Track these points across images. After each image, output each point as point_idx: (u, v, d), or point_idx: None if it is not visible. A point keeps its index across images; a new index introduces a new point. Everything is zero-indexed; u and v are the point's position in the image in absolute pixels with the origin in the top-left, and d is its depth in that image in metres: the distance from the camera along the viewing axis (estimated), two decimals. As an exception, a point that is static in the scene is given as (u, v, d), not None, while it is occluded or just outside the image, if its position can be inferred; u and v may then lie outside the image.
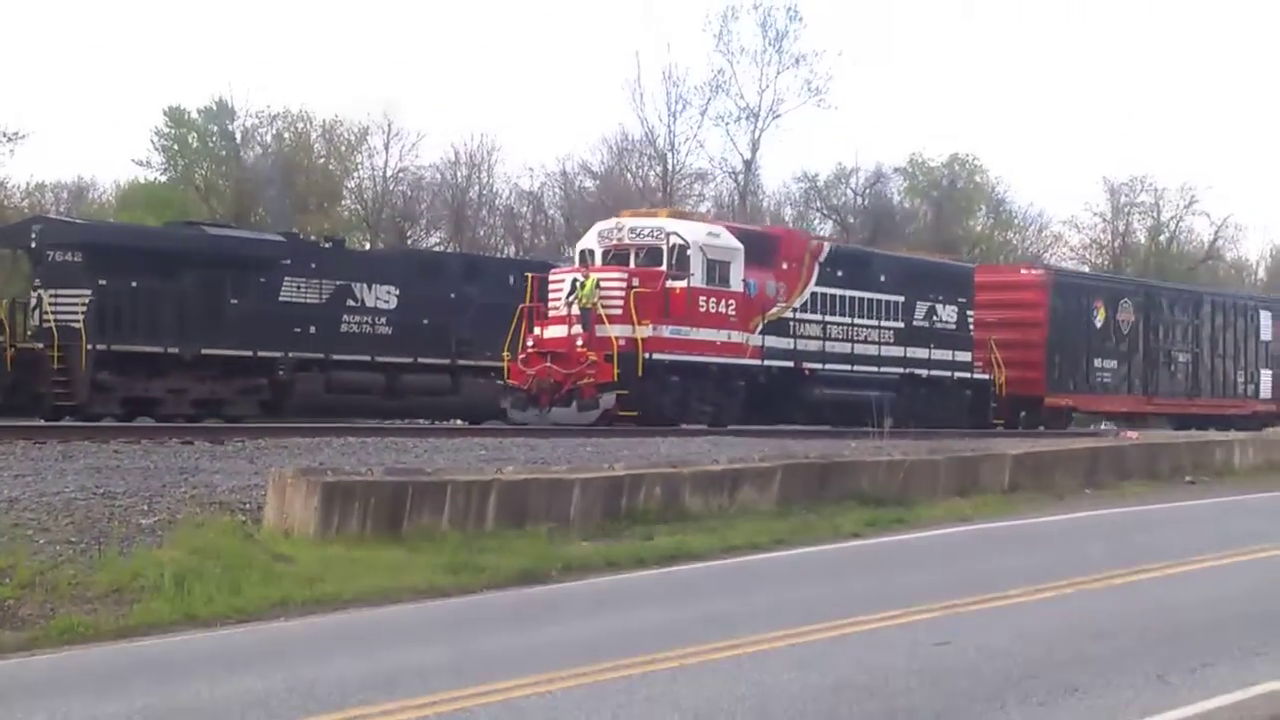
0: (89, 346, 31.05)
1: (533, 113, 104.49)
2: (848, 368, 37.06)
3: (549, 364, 31.25)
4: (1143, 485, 27.16)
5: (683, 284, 32.64)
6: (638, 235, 33.15)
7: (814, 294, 36.48)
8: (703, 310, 33.06)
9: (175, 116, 66.89)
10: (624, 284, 31.91)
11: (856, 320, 37.76)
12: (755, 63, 70.65)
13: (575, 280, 32.02)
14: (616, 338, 30.96)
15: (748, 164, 72.17)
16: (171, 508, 14.99)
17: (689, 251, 32.77)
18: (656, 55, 68.20)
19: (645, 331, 31.42)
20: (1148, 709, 9.52)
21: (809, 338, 36.10)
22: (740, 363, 34.01)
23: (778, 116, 71.11)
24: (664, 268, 32.49)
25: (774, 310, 35.20)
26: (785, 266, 35.88)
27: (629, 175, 71.12)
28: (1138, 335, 48.23)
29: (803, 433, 32.34)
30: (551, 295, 32.66)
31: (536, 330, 32.17)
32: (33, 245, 33.37)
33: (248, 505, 15.46)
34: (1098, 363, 46.85)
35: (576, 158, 71.43)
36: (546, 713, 9.17)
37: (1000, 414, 42.07)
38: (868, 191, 77.73)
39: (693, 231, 33.40)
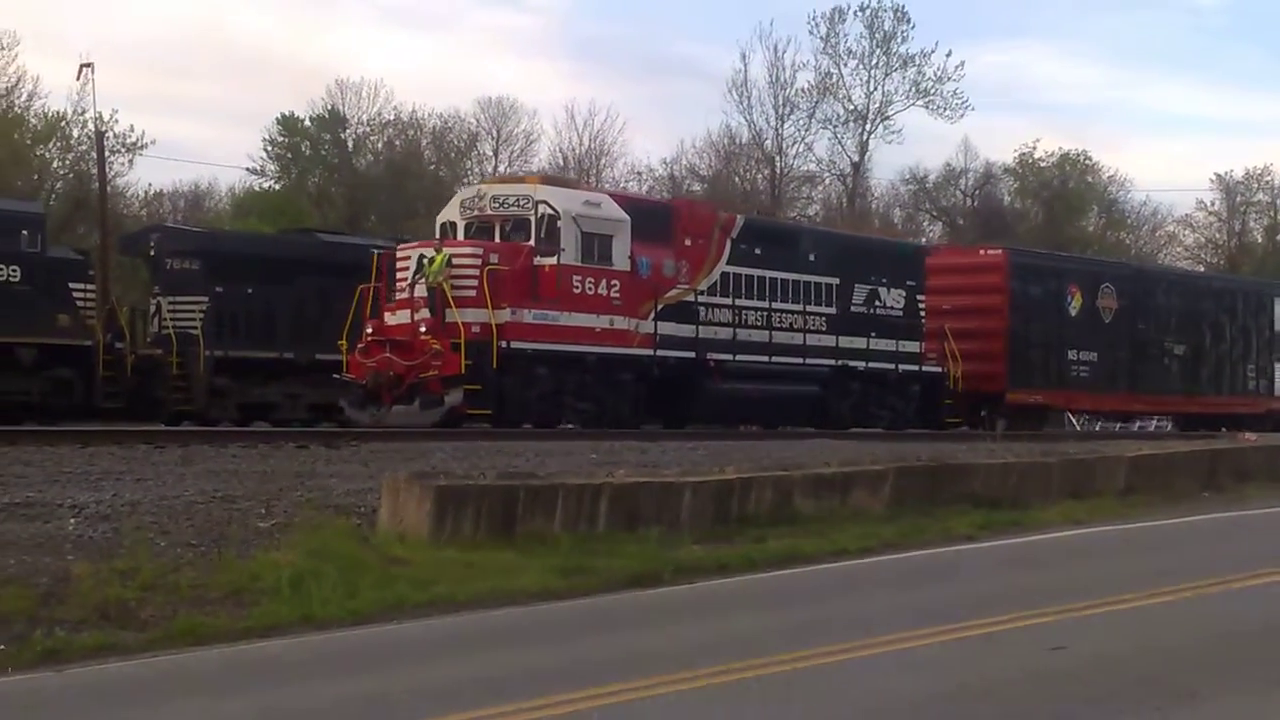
0: (206, 353, 31.59)
1: (640, 116, 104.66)
2: (764, 359, 32.44)
3: (389, 354, 27.13)
4: (1265, 488, 26.68)
5: (553, 261, 28.32)
6: (501, 205, 28.99)
7: (725, 274, 32.06)
8: (577, 291, 28.73)
9: (288, 124, 67.79)
10: (479, 260, 27.60)
11: (777, 305, 33.09)
12: (863, 65, 70.42)
13: (422, 256, 27.79)
14: (467, 323, 26.78)
15: (856, 166, 71.93)
16: (288, 511, 15.18)
17: (560, 223, 28.40)
18: (764, 58, 67.90)
19: (503, 316, 27.31)
20: (1270, 716, 9.37)
21: (717, 324, 31.65)
22: (626, 352, 29.65)
23: (886, 119, 70.85)
24: (531, 242, 28.40)
25: (672, 293, 30.74)
26: (688, 243, 31.45)
27: (737, 178, 71.08)
28: (1123, 324, 43.07)
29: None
30: (399, 275, 28.38)
31: (385, 316, 28.16)
32: (151, 253, 33.97)
33: (362, 509, 15.63)
34: (1072, 355, 41.60)
35: (684, 161, 71.52)
36: (660, 716, 9.19)
37: (957, 412, 37.52)
38: (977, 192, 77.14)
39: (565, 200, 29.01)
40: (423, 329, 26.98)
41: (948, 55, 70.60)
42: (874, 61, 70.28)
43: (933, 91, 70.15)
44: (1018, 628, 12.15)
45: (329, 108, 67.88)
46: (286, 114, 67.77)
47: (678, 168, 71.79)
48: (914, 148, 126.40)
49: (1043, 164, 77.97)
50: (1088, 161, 79.31)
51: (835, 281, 34.55)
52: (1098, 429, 47.10)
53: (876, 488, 19.82)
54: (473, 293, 27.25)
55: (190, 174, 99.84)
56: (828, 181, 73.32)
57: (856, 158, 71.67)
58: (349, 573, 13.07)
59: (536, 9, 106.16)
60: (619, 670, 10.27)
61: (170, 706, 9.37)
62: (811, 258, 34.27)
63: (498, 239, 28.67)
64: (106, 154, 50.29)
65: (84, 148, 55.81)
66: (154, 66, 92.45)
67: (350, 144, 68.42)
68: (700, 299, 31.37)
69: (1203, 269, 73.00)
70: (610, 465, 19.84)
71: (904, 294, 36.43)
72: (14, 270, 29.68)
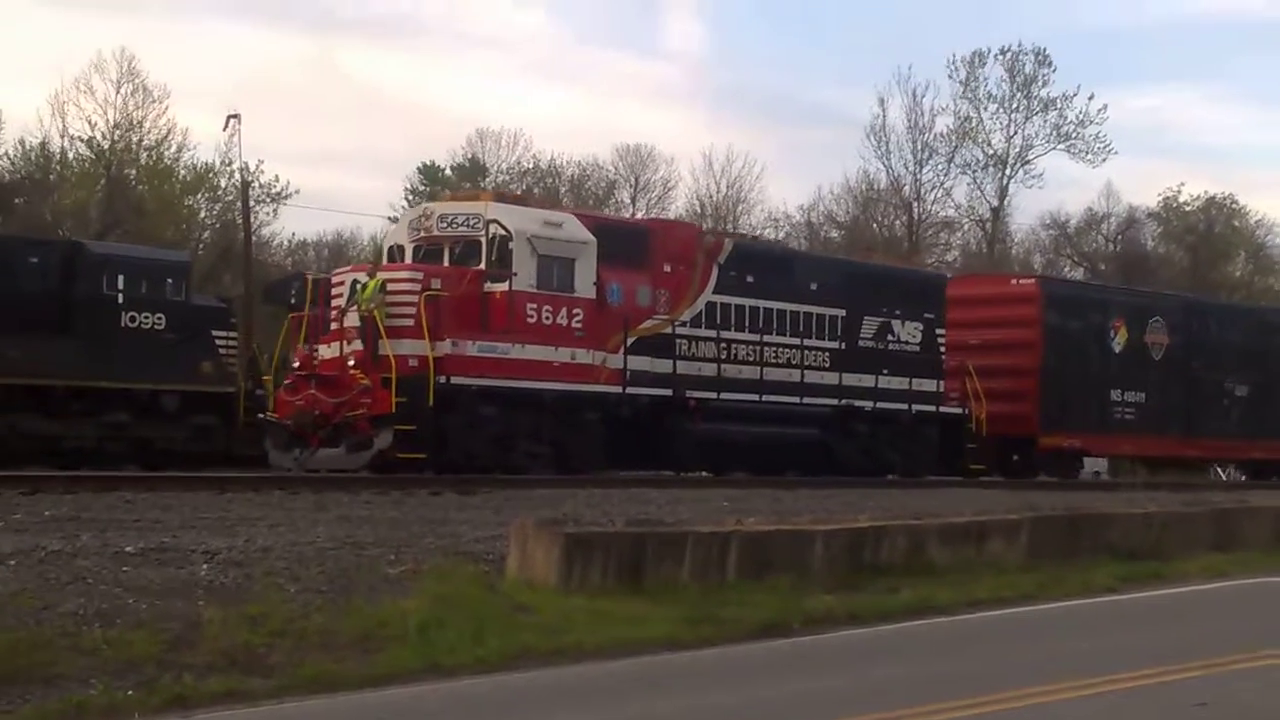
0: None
1: (778, 163, 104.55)
2: (754, 398, 29.61)
3: (314, 391, 24.71)
4: None
5: (504, 287, 25.70)
6: (450, 225, 26.51)
7: (710, 304, 29.33)
8: (533, 321, 26.07)
9: (430, 173, 68.72)
10: (417, 286, 25.21)
11: (771, 339, 30.33)
12: (1003, 109, 69.73)
13: (355, 282, 25.43)
14: (401, 356, 24.37)
15: (995, 211, 71.19)
16: (418, 557, 15.18)
17: (512, 245, 25.81)
18: (902, 102, 67.52)
19: (445, 348, 24.78)
20: None
21: (699, 359, 28.92)
22: (590, 390, 26.85)
23: (1026, 163, 70.05)
24: (481, 265, 25.92)
25: (647, 324, 28.00)
26: (667, 269, 28.72)
27: (875, 224, 70.66)
28: (1175, 362, 39.37)
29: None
30: (333, 303, 25.94)
31: (319, 349, 25.74)
32: (293, 302, 34.43)
33: (491, 555, 15.59)
34: (1116, 395, 38.03)
35: (822, 208, 71.27)
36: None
37: (982, 457, 34.26)
38: (1119, 237, 75.93)
39: (519, 219, 26.37)
40: (351, 362, 24.69)
41: (1090, 99, 69.67)
42: (1014, 105, 69.61)
43: (1074, 135, 69.28)
44: (1159, 682, 11.80)
45: (469, 156, 68.80)
46: (428, 163, 68.72)
47: (815, 214, 71.60)
48: (1055, 192, 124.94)
49: (1188, 208, 76.64)
50: (1234, 205, 77.86)
51: (840, 313, 31.93)
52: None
53: (1012, 537, 19.42)
54: (410, 322, 24.82)
55: (333, 223, 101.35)
56: (966, 227, 72.67)
57: (996, 202, 70.98)
58: (476, 620, 13.00)
59: (676, 56, 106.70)
60: (745, 722, 10.09)
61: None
62: (813, 286, 31.67)
63: (446, 262, 26.31)
64: (252, 203, 51.26)
65: (230, 198, 56.95)
66: (299, 118, 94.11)
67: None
68: (680, 331, 28.73)
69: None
70: (741, 513, 19.66)
71: (920, 327, 33.68)
72: (159, 318, 30.23)
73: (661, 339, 28.30)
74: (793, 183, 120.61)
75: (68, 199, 56.26)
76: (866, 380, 32.02)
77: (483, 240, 26.01)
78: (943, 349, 34.22)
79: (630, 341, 27.56)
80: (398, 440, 24.13)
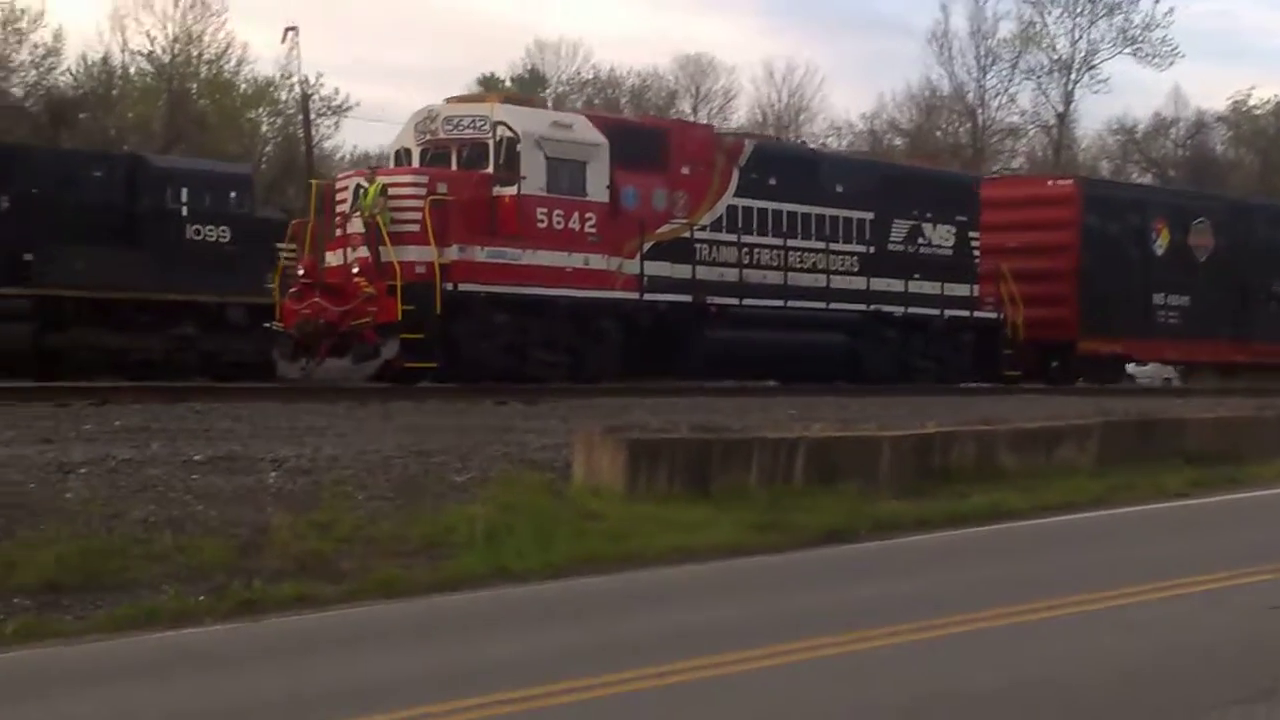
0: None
1: (840, 72, 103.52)
2: (778, 303, 28.69)
3: (320, 299, 24.03)
4: None
5: (513, 191, 24.89)
6: (457, 128, 25.56)
7: (731, 208, 28.41)
8: (543, 226, 25.26)
9: (489, 84, 68.36)
10: (421, 190, 24.35)
11: (795, 243, 29.34)
12: (1068, 12, 68.66)
13: (359, 186, 24.65)
14: (406, 263, 23.68)
15: (1061, 117, 70.28)
16: (484, 465, 15.20)
17: (520, 146, 24.95)
18: (965, 8, 66.51)
19: (452, 254, 24.07)
20: None
21: (719, 264, 27.99)
22: (605, 296, 26.01)
23: (1092, 68, 69.05)
24: (489, 169, 25.05)
25: (665, 228, 27.11)
26: (685, 171, 27.70)
27: (939, 132, 69.92)
28: (1221, 264, 37.81)
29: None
30: (338, 209, 25.34)
31: (326, 256, 25.11)
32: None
33: (558, 463, 15.57)
34: (1159, 299, 36.71)
35: (885, 116, 70.57)
36: (842, 673, 8.89)
37: (1018, 363, 33.32)
38: (1188, 142, 74.84)
39: (528, 120, 25.60)
40: (355, 270, 23.95)
41: (1156, 1, 68.38)
42: (1078, 9, 68.49)
43: (1140, 39, 68.15)
44: (1235, 585, 11.65)
45: (529, 68, 68.45)
46: (487, 75, 68.40)
47: (878, 122, 70.92)
48: (1121, 97, 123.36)
49: (1258, 111, 75.36)
50: (1307, 107, 76.38)
51: (869, 216, 30.85)
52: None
53: (1083, 443, 19.23)
54: (415, 227, 23.99)
55: (394, 136, 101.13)
56: (1032, 133, 71.79)
57: (1061, 108, 70.06)
58: (543, 526, 12.99)
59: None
60: (812, 625, 10.00)
61: (364, 657, 9.35)
62: (839, 189, 30.53)
63: (454, 166, 25.39)
64: (313, 117, 51.23)
65: (291, 111, 56.94)
66: (357, 32, 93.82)
67: (550, 103, 68.78)
68: (699, 235, 27.77)
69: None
70: (809, 420, 19.57)
71: (953, 230, 32.57)
72: (223, 230, 30.27)
73: (680, 244, 27.44)
74: (856, 92, 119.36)
75: (130, 114, 56.39)
76: (896, 285, 31.09)
77: (490, 143, 25.10)
78: (976, 253, 33.24)
79: (647, 246, 26.71)
80: (405, 349, 23.50)
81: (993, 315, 32.85)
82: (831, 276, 29.85)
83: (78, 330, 28.03)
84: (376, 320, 23.36)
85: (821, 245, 29.75)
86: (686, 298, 27.21)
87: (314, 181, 25.71)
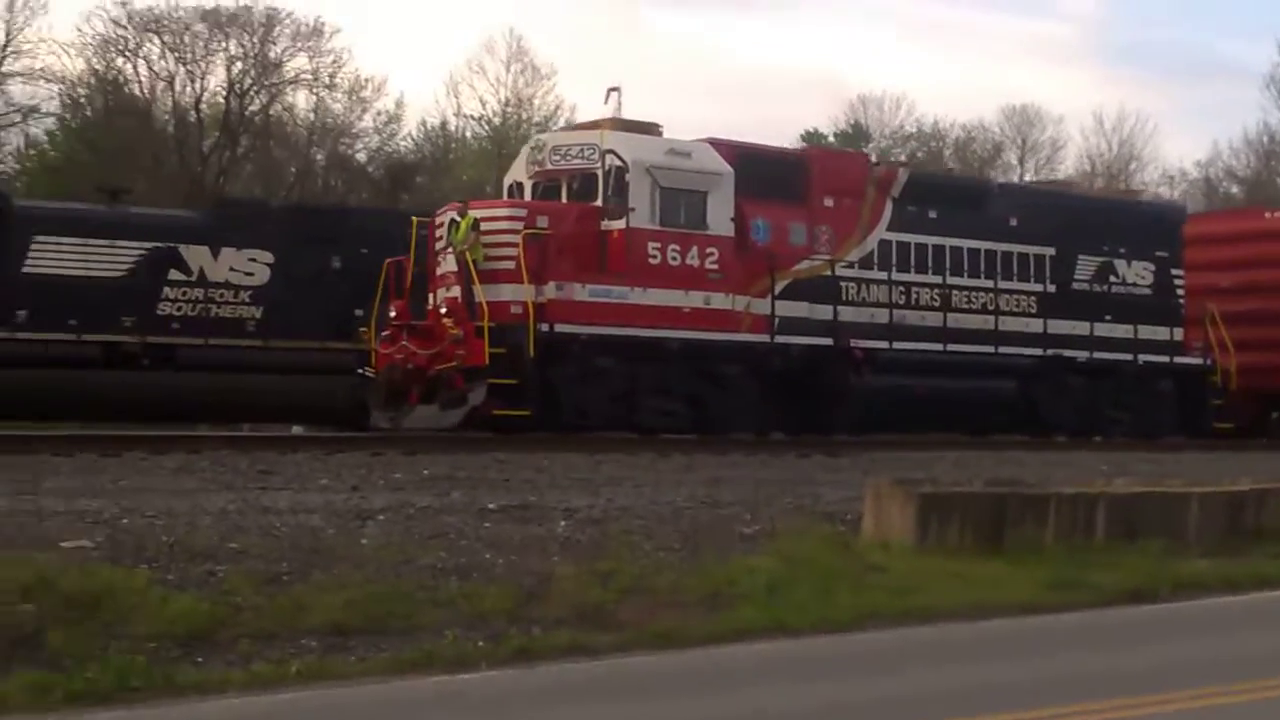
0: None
1: (1173, 120, 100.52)
2: (936, 346, 26.22)
3: (408, 342, 22.62)
4: None
5: (621, 225, 23.16)
6: (565, 158, 23.88)
7: (884, 243, 26.16)
8: (655, 262, 23.29)
9: (812, 140, 68.50)
10: (517, 225, 22.68)
11: (958, 280, 26.91)
12: None
13: (452, 221, 23.12)
14: (497, 302, 22.03)
15: None
16: (774, 518, 15.17)
17: (628, 176, 23.16)
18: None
19: (549, 292, 22.43)
20: None
21: (868, 305, 25.74)
22: (729, 339, 23.95)
23: None
24: (598, 201, 23.32)
25: (803, 265, 24.95)
26: (828, 203, 25.60)
27: (1279, 179, 67.05)
28: None
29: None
30: (438, 246, 23.76)
31: (431, 296, 23.61)
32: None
33: (849, 516, 15.42)
34: None
35: (1220, 163, 68.04)
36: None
37: (1230, 415, 29.91)
38: None
39: (638, 148, 23.59)
40: (443, 310, 22.72)
41: None
42: None
43: None
44: None
45: (851, 122, 68.32)
46: (810, 130, 68.54)
47: (1213, 170, 68.39)
48: None
49: None
50: None
51: (1049, 252, 28.31)
52: None
53: None
54: (511, 264, 22.40)
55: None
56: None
57: None
58: (825, 580, 12.89)
59: (1070, 16, 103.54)
60: (1096, 689, 9.67)
61: (628, 708, 9.42)
62: (1013, 222, 28.09)
63: (564, 198, 23.82)
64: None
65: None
66: (676, 91, 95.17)
67: (873, 157, 68.58)
68: (844, 273, 25.53)
69: None
70: (1118, 476, 18.95)
71: (1151, 268, 29.68)
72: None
73: (821, 282, 25.20)
74: (1189, 139, 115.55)
75: (465, 175, 58.38)
76: (1080, 327, 28.38)
77: (599, 173, 23.38)
78: (1180, 293, 30.30)
79: (781, 285, 24.59)
80: (495, 395, 21.93)
81: (1198, 361, 29.81)
82: (1001, 318, 27.42)
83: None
84: (464, 364, 21.95)
85: (990, 284, 27.42)
86: (827, 341, 24.98)
87: (415, 218, 24.20)
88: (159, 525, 12.29)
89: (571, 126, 26.14)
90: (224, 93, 51.96)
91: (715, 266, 23.73)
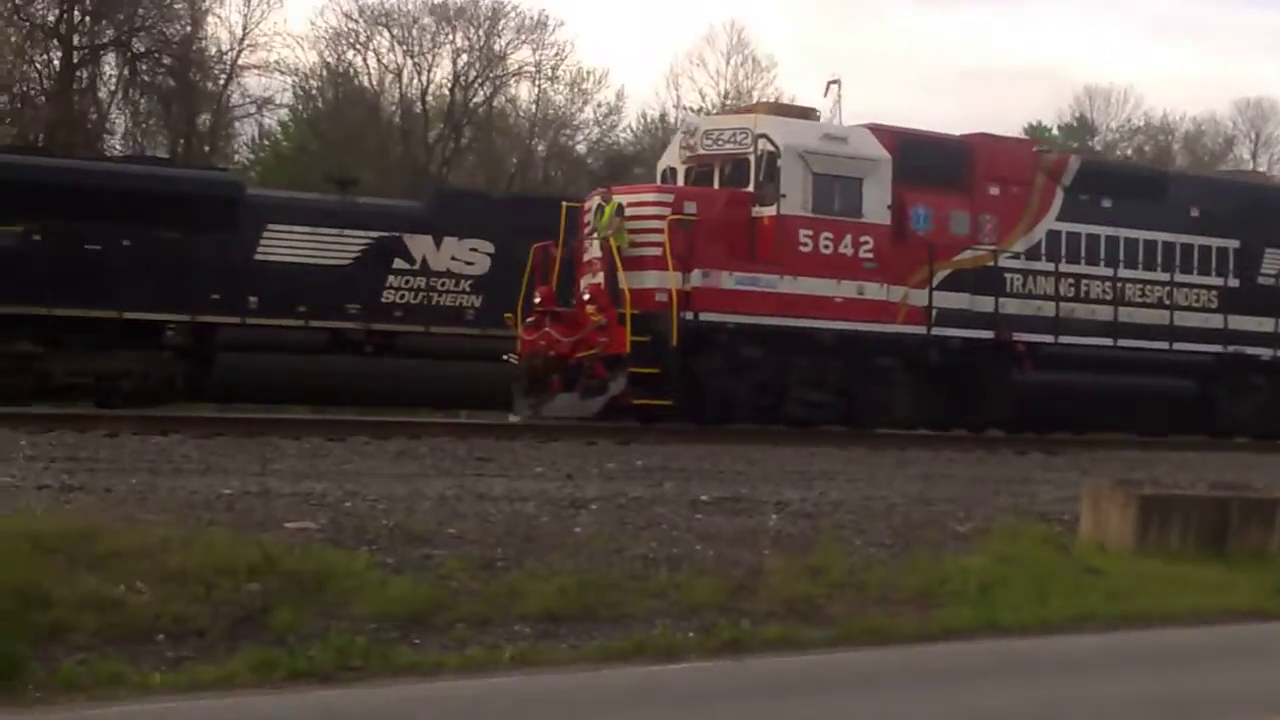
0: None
1: None
2: (1106, 341, 25.15)
3: (550, 329, 22.09)
4: None
5: (772, 211, 22.46)
6: (717, 142, 23.21)
7: (1052, 232, 25.20)
8: (806, 250, 22.57)
9: (1035, 133, 67.34)
10: (664, 210, 22.13)
11: (1130, 273, 25.78)
12: None
13: (599, 206, 22.65)
14: (641, 289, 21.62)
15: None
16: (988, 516, 14.99)
17: (780, 161, 22.44)
18: None
19: (694, 279, 21.86)
20: None
21: (1034, 297, 24.76)
22: (883, 330, 23.14)
23: None
24: (750, 187, 22.63)
25: (965, 255, 24.10)
26: (993, 191, 24.67)
27: None
28: None
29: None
30: (585, 232, 23.20)
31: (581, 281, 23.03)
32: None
33: (1066, 516, 15.18)
34: None
35: None
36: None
37: None
38: None
39: (790, 133, 22.91)
40: (586, 296, 22.17)
41: None
42: None
43: None
44: None
45: (1076, 115, 67.12)
46: (1034, 124, 67.44)
47: None
48: None
49: None
50: None
51: (1233, 244, 27.01)
52: None
53: None
54: (657, 250, 21.85)
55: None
56: None
57: None
58: (1040, 580, 12.72)
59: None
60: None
61: (838, 702, 9.41)
62: (1193, 213, 26.77)
63: (716, 184, 23.17)
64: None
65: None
66: (898, 83, 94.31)
67: (1091, 149, 67.34)
68: (1009, 264, 24.64)
69: None
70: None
71: None
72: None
73: (983, 273, 24.31)
74: None
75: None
76: (1265, 324, 27.05)
77: (751, 158, 22.72)
78: None
79: (941, 275, 23.76)
80: (637, 384, 21.45)
81: None
82: (1178, 313, 26.23)
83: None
84: (606, 351, 21.48)
85: (1166, 277, 26.25)
86: (987, 333, 24.13)
87: (564, 203, 23.77)
88: (380, 509, 12.60)
89: (725, 111, 24.90)
90: (449, 84, 53.04)
91: (870, 255, 23.02)
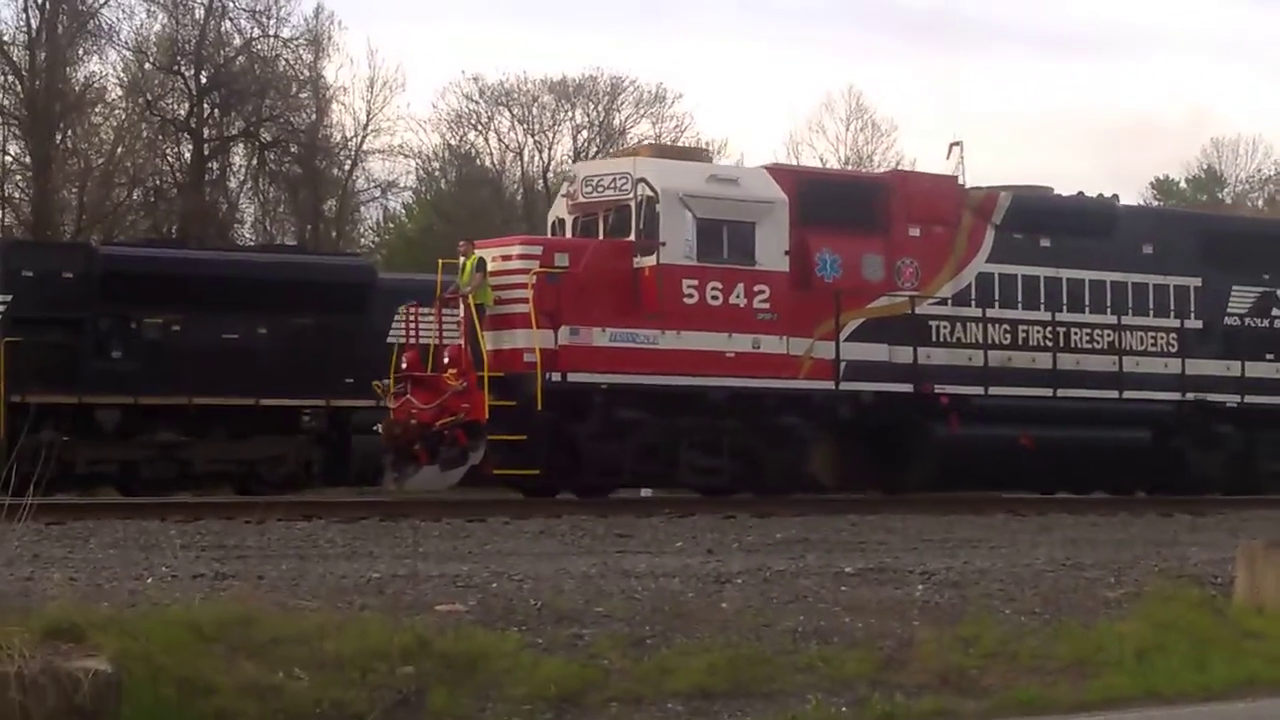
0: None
1: None
2: (1044, 392, 23.52)
3: (411, 395, 20.87)
4: None
5: (652, 261, 21.11)
6: (598, 189, 21.93)
7: (983, 275, 23.54)
8: (691, 301, 21.25)
9: (1163, 188, 66.71)
10: (529, 262, 20.92)
11: (1072, 317, 24.06)
12: None
13: (461, 261, 21.45)
14: (505, 350, 20.61)
15: None
16: (1139, 580, 14.72)
17: (659, 206, 21.12)
18: None
19: (564, 337, 20.69)
20: None
21: (961, 346, 23.11)
22: (784, 386, 21.72)
23: None
24: (631, 235, 21.36)
25: (880, 302, 22.57)
26: (913, 232, 23.01)
27: None
28: None
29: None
30: (449, 290, 22.03)
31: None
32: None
33: (1219, 579, 14.86)
34: None
35: None
36: None
37: None
38: None
39: (670, 176, 21.51)
40: (445, 360, 20.90)
41: None
42: None
43: None
44: None
45: (1204, 167, 66.36)
46: (1162, 177, 66.84)
47: None
48: None
49: None
50: None
51: (1194, 282, 25.23)
52: None
53: None
54: (525, 307, 20.73)
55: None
56: None
57: None
58: (1198, 646, 12.45)
59: None
60: None
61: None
62: (1146, 250, 25.06)
63: (601, 233, 21.95)
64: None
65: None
66: (1022, 144, 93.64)
67: (1229, 202, 66.50)
68: (933, 310, 23.08)
69: None
70: None
71: None
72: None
73: (903, 321, 22.79)
74: None
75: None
76: (1231, 368, 25.24)
77: (632, 204, 21.44)
78: None
79: (852, 325, 22.33)
80: (498, 454, 20.40)
81: None
82: (1127, 358, 24.45)
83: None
84: (467, 418, 20.32)
85: (1114, 320, 24.48)
86: (906, 386, 22.61)
87: (440, 260, 22.42)
88: (526, 588, 12.65)
89: (610, 154, 23.96)
90: (570, 160, 53.59)
91: (766, 305, 21.68)
